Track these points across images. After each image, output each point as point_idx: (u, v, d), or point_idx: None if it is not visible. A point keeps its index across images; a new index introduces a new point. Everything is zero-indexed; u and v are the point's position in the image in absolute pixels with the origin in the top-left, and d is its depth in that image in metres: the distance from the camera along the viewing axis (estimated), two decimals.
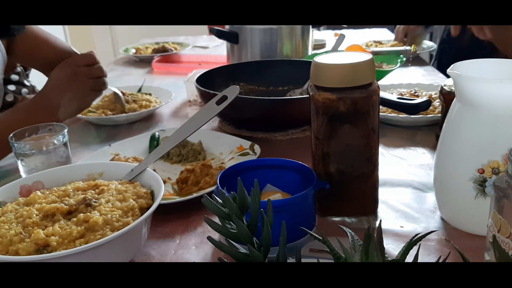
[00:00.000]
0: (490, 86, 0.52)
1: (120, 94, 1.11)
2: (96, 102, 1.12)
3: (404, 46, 1.49)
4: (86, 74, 0.96)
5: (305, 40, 1.35)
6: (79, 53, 1.22)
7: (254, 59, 1.29)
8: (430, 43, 1.65)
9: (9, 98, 1.33)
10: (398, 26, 1.70)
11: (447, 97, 0.82)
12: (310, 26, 1.36)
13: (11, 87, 1.36)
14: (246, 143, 0.85)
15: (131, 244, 0.55)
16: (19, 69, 1.40)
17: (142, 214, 0.55)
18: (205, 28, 2.92)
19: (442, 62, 1.64)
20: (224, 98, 0.70)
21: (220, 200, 0.45)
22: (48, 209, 0.55)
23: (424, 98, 0.78)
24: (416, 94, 1.04)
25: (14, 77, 1.38)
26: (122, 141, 0.89)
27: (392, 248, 0.57)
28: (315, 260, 0.44)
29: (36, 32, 1.16)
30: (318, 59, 0.60)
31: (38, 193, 0.59)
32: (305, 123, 0.94)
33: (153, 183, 0.61)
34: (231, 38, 1.32)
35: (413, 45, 1.50)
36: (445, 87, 0.84)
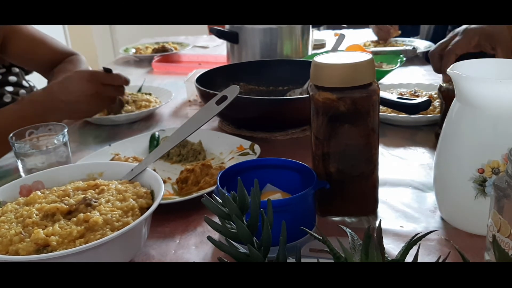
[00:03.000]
0: (490, 86, 0.52)
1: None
2: None
3: (405, 46, 1.49)
4: (108, 93, 0.95)
5: (305, 40, 1.35)
6: (76, 52, 1.22)
7: (254, 59, 1.29)
8: (428, 43, 1.65)
9: (7, 99, 1.33)
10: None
11: (445, 94, 0.82)
12: (310, 26, 1.36)
13: (9, 88, 1.36)
14: (246, 143, 0.85)
15: (131, 244, 0.55)
16: (17, 69, 1.40)
17: (142, 214, 0.55)
18: (205, 28, 2.92)
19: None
20: (224, 98, 0.70)
21: (220, 200, 0.45)
22: (48, 209, 0.55)
23: (424, 98, 0.78)
24: (416, 94, 1.04)
25: (12, 78, 1.38)
26: (122, 141, 0.89)
27: (392, 248, 0.57)
28: (315, 260, 0.44)
29: (32, 32, 1.16)
30: (318, 59, 0.59)
31: (38, 193, 0.59)
32: (305, 123, 0.94)
33: (153, 183, 0.61)
34: (231, 38, 1.32)
35: None
36: (443, 85, 0.84)
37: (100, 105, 0.96)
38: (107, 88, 0.94)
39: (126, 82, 0.97)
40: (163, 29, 3.02)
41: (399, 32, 1.71)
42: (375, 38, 1.78)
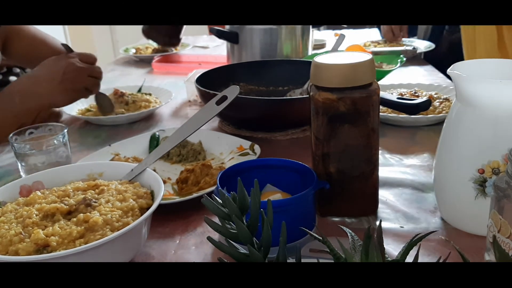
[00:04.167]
0: (490, 86, 0.52)
1: (107, 95, 1.10)
2: None
3: (405, 46, 1.49)
4: (88, 71, 0.97)
5: (305, 40, 1.35)
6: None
7: (254, 59, 1.29)
8: (428, 43, 1.65)
9: None
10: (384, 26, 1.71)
11: None
12: (310, 26, 1.36)
13: None
14: (246, 143, 0.85)
15: (131, 244, 0.55)
16: (17, 69, 1.40)
17: (142, 214, 0.55)
18: (205, 28, 2.92)
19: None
20: (224, 98, 0.70)
21: (220, 200, 0.45)
22: (48, 209, 0.55)
23: (424, 98, 0.78)
24: (416, 94, 1.04)
25: (13, 78, 1.38)
26: (122, 141, 0.89)
27: (392, 248, 0.57)
28: (315, 260, 0.44)
29: (33, 32, 1.16)
30: (318, 59, 0.59)
31: (38, 193, 0.59)
32: (305, 123, 0.94)
33: (153, 183, 0.61)
34: (231, 38, 1.32)
35: None
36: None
37: (83, 84, 0.98)
38: (87, 65, 0.98)
39: (94, 59, 1.01)
40: None
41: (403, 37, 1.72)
42: (375, 38, 1.78)
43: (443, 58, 1.50)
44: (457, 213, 0.60)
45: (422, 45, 1.64)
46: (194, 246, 0.61)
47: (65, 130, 0.76)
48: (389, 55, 1.34)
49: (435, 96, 1.02)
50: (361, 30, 2.06)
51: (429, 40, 1.68)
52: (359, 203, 0.64)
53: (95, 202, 0.56)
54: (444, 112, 0.95)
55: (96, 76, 1.00)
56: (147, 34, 1.14)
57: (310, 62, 0.60)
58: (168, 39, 1.13)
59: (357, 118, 0.59)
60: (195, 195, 0.69)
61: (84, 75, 0.97)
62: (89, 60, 0.99)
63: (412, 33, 1.81)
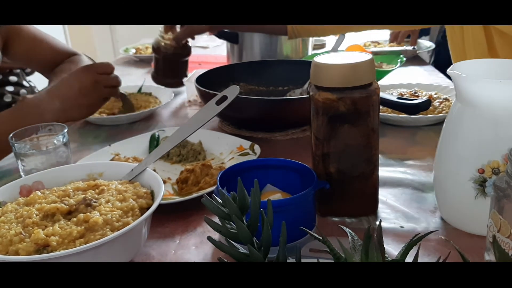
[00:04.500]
0: (490, 86, 0.52)
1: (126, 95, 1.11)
2: None
3: (405, 46, 1.49)
4: (105, 82, 0.96)
5: (305, 40, 1.35)
6: (77, 52, 1.22)
7: (254, 59, 1.29)
8: (429, 43, 1.65)
9: (7, 99, 1.34)
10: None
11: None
12: None
13: (10, 88, 1.36)
14: (246, 143, 0.85)
15: (131, 244, 0.55)
16: (17, 69, 1.40)
17: (142, 214, 0.55)
18: None
19: (438, 64, 1.65)
20: (224, 98, 0.70)
21: (220, 200, 0.45)
22: (48, 209, 0.55)
23: (424, 98, 0.78)
24: (416, 94, 1.04)
25: (13, 78, 1.38)
26: (122, 141, 0.89)
27: (392, 248, 0.57)
28: (315, 260, 0.44)
29: (33, 32, 1.16)
30: (318, 59, 0.60)
31: (38, 193, 0.59)
32: (305, 123, 0.94)
33: (153, 183, 0.61)
34: (231, 38, 1.32)
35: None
36: None
37: (99, 96, 0.96)
38: (103, 77, 0.96)
39: (112, 69, 1.00)
40: None
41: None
42: (375, 38, 1.78)
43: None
44: (457, 213, 0.60)
45: (424, 45, 1.64)
46: (194, 246, 0.61)
47: (65, 130, 0.76)
48: (389, 55, 1.34)
49: (435, 96, 1.02)
50: None
51: (441, 39, 1.68)
52: (359, 203, 0.64)
53: (95, 202, 0.56)
54: (444, 112, 0.95)
55: (113, 85, 0.99)
56: (155, 80, 1.20)
57: (310, 62, 0.60)
58: (175, 81, 1.19)
59: (357, 118, 0.59)
60: (195, 195, 0.69)
61: (100, 87, 0.95)
62: (107, 70, 0.98)
63: (424, 33, 1.81)
